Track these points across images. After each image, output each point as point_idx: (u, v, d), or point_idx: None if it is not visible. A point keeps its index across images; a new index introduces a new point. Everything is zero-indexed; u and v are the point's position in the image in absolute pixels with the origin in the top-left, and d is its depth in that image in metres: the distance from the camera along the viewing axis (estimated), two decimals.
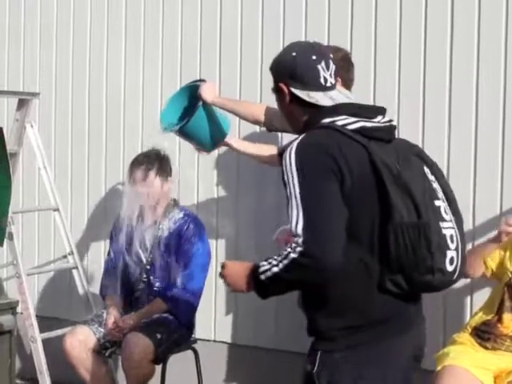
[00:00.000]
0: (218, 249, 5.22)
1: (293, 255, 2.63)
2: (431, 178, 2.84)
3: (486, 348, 3.90)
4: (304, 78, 2.81)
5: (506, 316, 3.89)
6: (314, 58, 2.83)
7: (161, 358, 4.56)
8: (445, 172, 4.50)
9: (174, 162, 5.34)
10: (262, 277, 2.71)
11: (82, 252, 5.61)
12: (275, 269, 2.67)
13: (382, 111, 2.88)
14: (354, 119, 2.76)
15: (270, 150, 4.23)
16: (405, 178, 2.72)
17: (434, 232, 2.71)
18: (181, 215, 4.73)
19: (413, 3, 4.65)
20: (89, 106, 5.81)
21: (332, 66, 2.87)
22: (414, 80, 4.66)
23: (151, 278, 4.70)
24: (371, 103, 4.70)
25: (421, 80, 4.64)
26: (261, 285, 2.74)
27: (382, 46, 4.74)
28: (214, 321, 5.34)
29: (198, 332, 5.06)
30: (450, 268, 2.75)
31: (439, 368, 3.85)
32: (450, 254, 2.75)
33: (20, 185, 6.07)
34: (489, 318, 3.95)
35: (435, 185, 2.84)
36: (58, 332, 4.93)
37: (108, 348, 4.64)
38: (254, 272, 2.74)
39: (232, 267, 2.87)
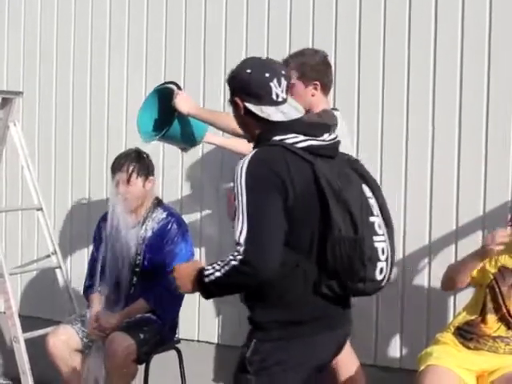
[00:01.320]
0: (201, 248, 5.22)
1: (234, 262, 2.91)
2: (368, 194, 3.11)
3: (469, 348, 3.91)
4: (258, 94, 3.05)
5: (490, 317, 3.91)
6: (267, 75, 3.05)
7: (144, 357, 4.54)
8: (428, 175, 4.56)
9: (158, 160, 5.34)
10: (206, 280, 2.99)
11: (65, 251, 5.59)
12: (218, 273, 2.96)
13: (328, 129, 3.13)
14: (302, 138, 3.02)
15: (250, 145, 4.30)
16: (345, 195, 2.99)
17: (367, 246, 2.99)
18: (164, 215, 4.71)
19: (397, 8, 4.67)
20: (73, 105, 5.80)
21: (283, 82, 3.09)
22: (397, 84, 4.68)
23: (137, 278, 4.69)
24: (355, 109, 4.73)
25: (405, 84, 4.66)
26: (204, 287, 3.02)
27: (366, 53, 4.76)
28: (197, 321, 5.34)
29: (182, 332, 5.05)
30: (379, 277, 3.05)
31: (422, 368, 3.85)
32: (380, 264, 3.04)
33: (3, 184, 6.05)
34: (472, 318, 3.95)
35: (371, 201, 3.10)
36: (41, 332, 4.90)
37: (91, 347, 4.62)
38: (200, 275, 3.02)
39: (181, 270, 3.13)
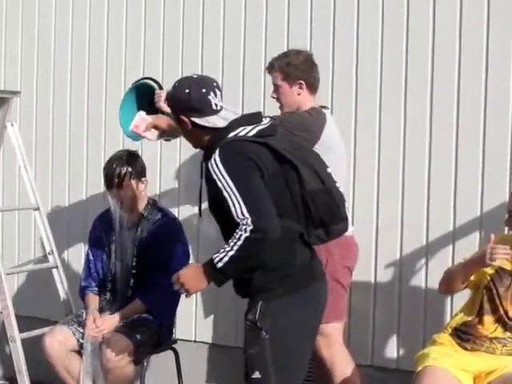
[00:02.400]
0: (199, 247, 5.21)
1: (245, 234, 3.24)
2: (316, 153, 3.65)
3: (466, 349, 3.91)
4: (200, 108, 3.46)
5: (487, 318, 3.90)
6: (204, 90, 3.48)
7: (140, 358, 4.54)
8: (425, 176, 4.56)
9: (156, 159, 5.34)
10: (220, 264, 3.28)
11: (62, 251, 5.58)
12: (231, 252, 3.27)
13: (262, 115, 3.58)
14: (250, 127, 3.45)
15: None
16: (305, 157, 3.49)
17: (335, 191, 3.52)
18: (159, 216, 4.70)
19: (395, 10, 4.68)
20: (70, 104, 5.80)
21: (218, 92, 3.52)
22: (395, 87, 4.69)
23: (134, 280, 4.67)
24: (352, 110, 4.75)
25: (402, 87, 4.67)
26: (219, 272, 3.31)
27: (364, 57, 4.78)
28: (194, 321, 5.34)
29: (179, 332, 5.05)
30: (348, 215, 3.61)
31: (420, 368, 3.83)
32: (346, 204, 3.60)
33: (0, 184, 6.04)
34: (469, 319, 3.95)
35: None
36: (38, 332, 4.89)
37: (87, 348, 4.60)
38: (210, 265, 3.32)
39: (185, 274, 3.43)
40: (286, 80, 4.25)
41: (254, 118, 3.54)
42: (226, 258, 3.27)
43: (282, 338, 3.40)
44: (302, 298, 3.46)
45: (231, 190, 3.29)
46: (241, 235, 3.24)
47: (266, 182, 3.34)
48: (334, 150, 4.14)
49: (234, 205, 3.27)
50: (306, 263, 3.51)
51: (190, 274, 3.41)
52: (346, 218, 3.59)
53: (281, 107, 4.33)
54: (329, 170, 3.57)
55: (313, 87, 4.30)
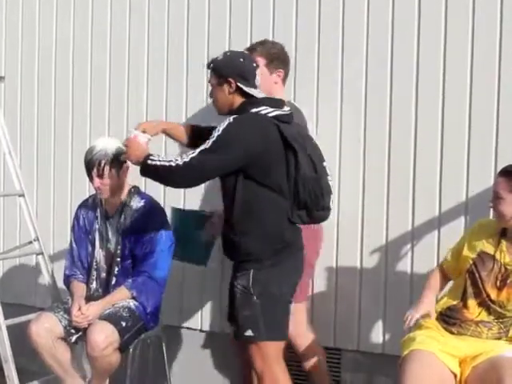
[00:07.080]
0: None
1: (173, 163, 3.77)
2: (318, 147, 4.06)
3: (452, 333, 3.92)
4: (248, 78, 3.94)
5: (471, 302, 3.91)
6: (254, 65, 4.00)
7: (126, 345, 4.52)
8: (411, 161, 4.58)
9: None
10: (149, 161, 3.85)
11: (47, 238, 5.57)
12: (159, 163, 3.82)
13: (284, 103, 4.02)
14: (272, 109, 3.90)
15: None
16: (306, 146, 3.91)
17: (323, 182, 3.95)
18: (142, 203, 4.67)
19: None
20: (55, 90, 5.78)
21: (258, 72, 3.98)
22: (380, 76, 4.70)
23: (118, 268, 4.66)
24: (338, 103, 4.78)
25: (388, 76, 4.67)
26: (145, 165, 3.86)
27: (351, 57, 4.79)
28: (180, 307, 5.33)
29: (165, 318, 5.04)
30: (331, 206, 4.03)
31: (406, 352, 3.85)
32: (332, 197, 4.01)
33: None
34: (454, 303, 3.96)
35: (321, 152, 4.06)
36: (23, 319, 4.88)
37: (74, 335, 4.60)
38: (147, 155, 3.88)
39: (135, 143, 3.99)
40: (268, 66, 4.37)
41: (277, 102, 3.97)
42: (154, 163, 3.82)
43: (270, 302, 3.90)
44: (288, 268, 3.96)
45: (213, 139, 3.76)
46: (174, 161, 3.76)
47: (266, 152, 3.80)
48: None
49: (201, 145, 3.77)
50: (293, 240, 3.97)
51: (139, 147, 3.97)
52: (329, 208, 4.01)
53: None
54: (324, 164, 3.98)
55: (286, 79, 4.50)
